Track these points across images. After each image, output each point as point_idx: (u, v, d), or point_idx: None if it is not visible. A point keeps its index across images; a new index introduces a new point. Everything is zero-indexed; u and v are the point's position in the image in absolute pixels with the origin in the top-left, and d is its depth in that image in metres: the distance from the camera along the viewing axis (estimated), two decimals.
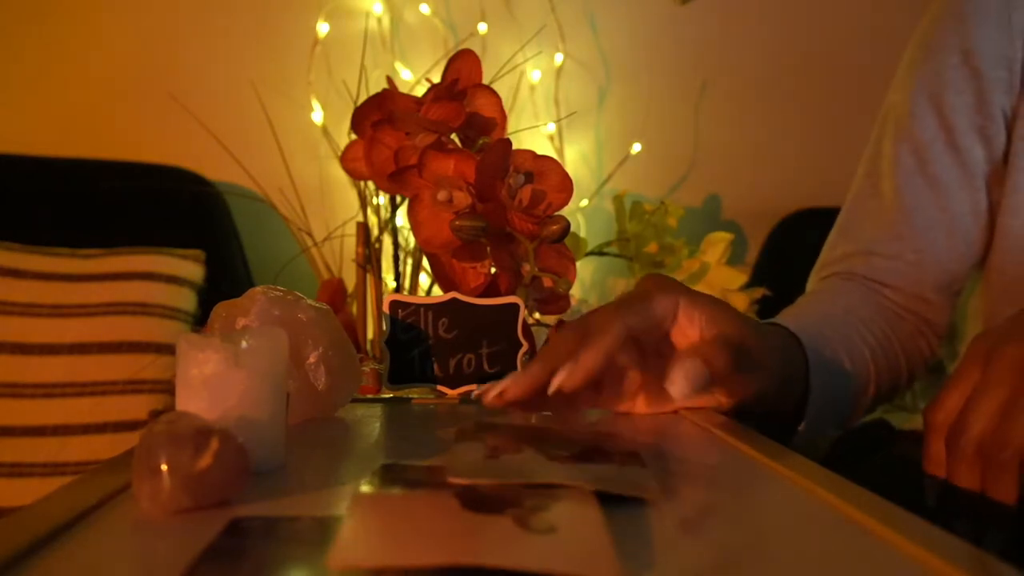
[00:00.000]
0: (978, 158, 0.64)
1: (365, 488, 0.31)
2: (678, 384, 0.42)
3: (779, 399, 0.51)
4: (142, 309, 0.94)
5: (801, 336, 0.54)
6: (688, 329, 0.45)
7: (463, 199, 0.55)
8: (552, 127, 1.25)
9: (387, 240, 0.85)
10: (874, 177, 0.70)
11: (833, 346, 0.56)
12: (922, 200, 0.66)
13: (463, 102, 0.58)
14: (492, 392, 0.40)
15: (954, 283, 0.67)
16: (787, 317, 0.59)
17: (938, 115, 0.65)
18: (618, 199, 0.98)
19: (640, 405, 0.47)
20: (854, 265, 0.68)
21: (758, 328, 0.47)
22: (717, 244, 0.96)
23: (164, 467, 0.27)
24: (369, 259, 0.70)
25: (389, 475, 0.32)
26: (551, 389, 0.39)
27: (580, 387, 0.40)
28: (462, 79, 0.58)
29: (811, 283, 0.73)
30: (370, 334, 0.75)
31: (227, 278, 1.07)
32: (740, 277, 0.95)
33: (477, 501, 0.27)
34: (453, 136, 0.58)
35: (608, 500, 0.29)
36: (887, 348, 0.62)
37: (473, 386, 0.53)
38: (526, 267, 0.57)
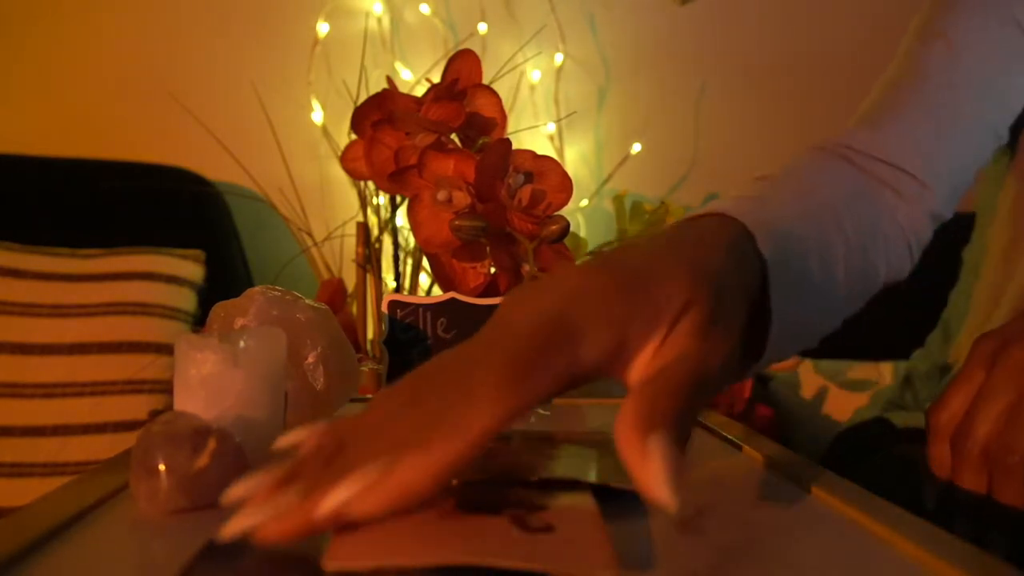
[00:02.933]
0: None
1: None
2: (668, 486, 0.23)
3: None
4: (142, 309, 0.94)
5: (762, 238, 0.38)
6: (636, 361, 0.29)
7: (463, 199, 0.55)
8: (552, 127, 1.25)
9: (387, 240, 0.85)
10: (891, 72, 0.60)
11: (803, 247, 0.43)
12: (944, 68, 0.57)
13: (463, 102, 0.58)
14: (234, 524, 0.24)
15: (968, 156, 0.57)
16: (752, 204, 0.43)
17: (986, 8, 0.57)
18: (618, 199, 0.98)
19: None
20: (847, 140, 0.56)
21: (722, 305, 0.30)
22: None
23: (162, 467, 0.27)
24: (369, 259, 0.70)
25: None
26: (325, 508, 0.23)
27: (383, 515, 0.24)
28: (462, 79, 0.58)
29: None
30: (370, 334, 0.75)
31: (227, 278, 1.07)
32: None
33: (474, 501, 0.27)
34: (453, 136, 0.58)
35: (605, 499, 0.29)
36: (866, 245, 0.50)
37: None
38: (526, 267, 0.57)
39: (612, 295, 0.28)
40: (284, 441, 0.27)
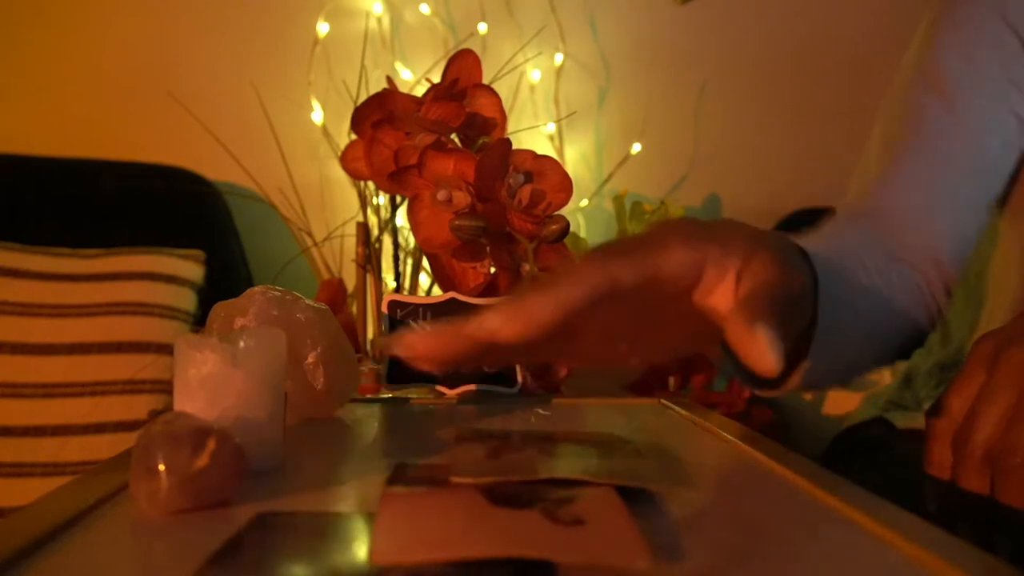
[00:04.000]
0: (1017, 103, 0.59)
1: (392, 487, 0.31)
2: (771, 358, 0.29)
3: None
4: (142, 309, 0.94)
5: (814, 260, 0.45)
6: (718, 287, 0.34)
7: (463, 199, 0.55)
8: (552, 127, 1.25)
9: (387, 240, 0.85)
10: (884, 124, 0.64)
11: (847, 279, 0.49)
12: (943, 135, 0.59)
13: (463, 102, 0.58)
14: (401, 347, 0.31)
15: (968, 226, 0.60)
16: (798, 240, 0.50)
17: (969, 63, 0.60)
18: (618, 199, 0.98)
19: (621, 356, 0.41)
20: (858, 208, 0.61)
21: (789, 256, 0.37)
22: None
23: (162, 467, 0.27)
24: (369, 259, 0.70)
25: (410, 473, 0.32)
26: (471, 333, 0.30)
27: (519, 339, 0.31)
28: (462, 79, 0.58)
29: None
30: (370, 334, 0.75)
31: (227, 278, 1.07)
32: None
33: (503, 496, 0.28)
34: (453, 136, 0.58)
35: None
36: (890, 294, 0.55)
37: (471, 386, 0.53)
38: (526, 267, 0.57)
39: (693, 228, 0.35)
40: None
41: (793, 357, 0.45)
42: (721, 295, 0.34)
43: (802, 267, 0.39)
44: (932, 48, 0.61)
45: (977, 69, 0.59)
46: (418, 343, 0.30)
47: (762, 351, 0.29)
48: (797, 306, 0.35)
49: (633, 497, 0.29)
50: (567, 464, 0.32)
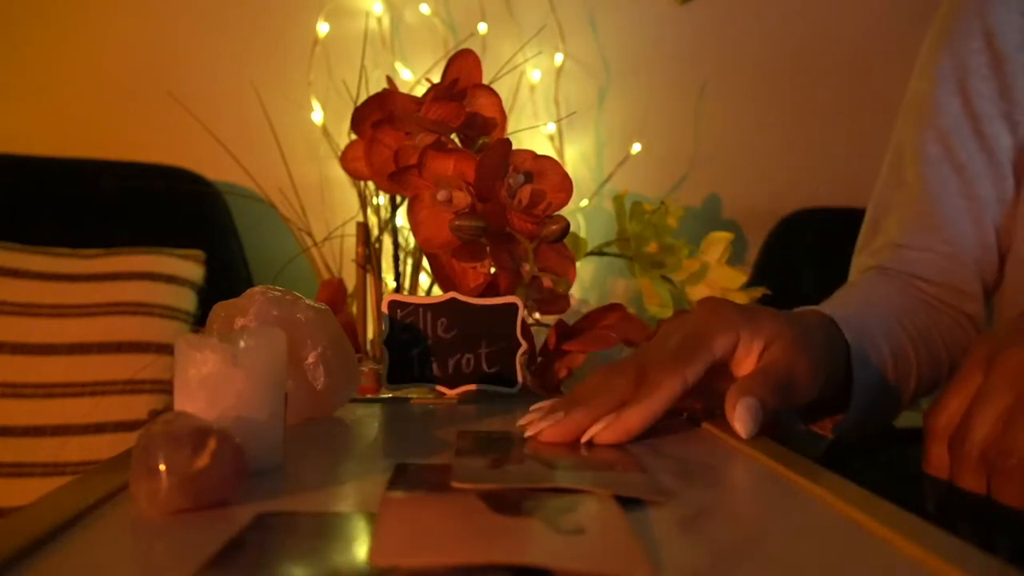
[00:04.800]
0: (1004, 145, 0.63)
1: (391, 490, 0.31)
2: (745, 425, 0.40)
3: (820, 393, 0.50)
4: (142, 309, 0.94)
5: (843, 325, 0.53)
6: (744, 360, 0.44)
7: (463, 199, 0.55)
8: (552, 127, 1.25)
9: (387, 240, 0.85)
10: (898, 167, 0.69)
11: (874, 336, 0.55)
12: (949, 189, 0.65)
13: (463, 102, 0.58)
14: (530, 430, 0.40)
15: (987, 273, 0.66)
16: (828, 306, 0.57)
17: (963, 101, 0.64)
18: (618, 199, 0.98)
19: (688, 402, 0.48)
20: (885, 259, 0.67)
21: (808, 343, 0.45)
22: (717, 244, 0.96)
23: (162, 467, 0.27)
24: (369, 259, 0.70)
25: (410, 476, 0.32)
26: (584, 439, 0.39)
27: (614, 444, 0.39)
28: (462, 79, 0.58)
29: (851, 276, 0.72)
30: (370, 334, 0.75)
31: (227, 278, 1.07)
32: (740, 277, 0.95)
33: (504, 503, 0.28)
34: (453, 136, 0.58)
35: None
36: (927, 339, 0.61)
37: (472, 386, 0.53)
38: (526, 267, 0.57)
39: (734, 313, 0.44)
40: (530, 411, 0.43)
41: (832, 408, 0.55)
42: (747, 367, 0.44)
43: (820, 346, 0.47)
44: (931, 86, 0.67)
45: (972, 113, 0.65)
46: (547, 433, 0.39)
47: (737, 419, 0.40)
48: (795, 385, 0.43)
49: (633, 506, 0.29)
50: (568, 475, 0.32)
